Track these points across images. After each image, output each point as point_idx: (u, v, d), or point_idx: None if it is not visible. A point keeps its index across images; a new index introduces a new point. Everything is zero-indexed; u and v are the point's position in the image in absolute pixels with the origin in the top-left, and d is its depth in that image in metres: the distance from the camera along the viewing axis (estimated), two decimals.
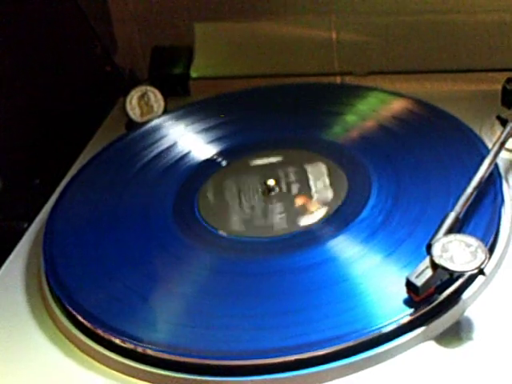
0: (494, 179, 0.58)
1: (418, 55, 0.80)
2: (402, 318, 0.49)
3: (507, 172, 0.62)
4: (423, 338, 0.49)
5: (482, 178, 0.56)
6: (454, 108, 0.68)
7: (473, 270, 0.47)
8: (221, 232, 0.60)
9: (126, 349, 0.51)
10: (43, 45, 0.79)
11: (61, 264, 0.59)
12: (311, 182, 0.62)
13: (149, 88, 0.77)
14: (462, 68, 0.78)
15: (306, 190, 0.62)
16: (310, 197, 0.61)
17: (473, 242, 0.49)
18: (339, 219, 0.59)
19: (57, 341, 0.55)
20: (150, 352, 0.50)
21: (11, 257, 0.63)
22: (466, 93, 0.75)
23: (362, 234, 0.56)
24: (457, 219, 0.52)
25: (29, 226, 0.67)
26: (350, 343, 0.48)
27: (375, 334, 0.48)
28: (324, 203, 0.60)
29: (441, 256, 0.48)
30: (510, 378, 0.46)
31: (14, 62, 0.75)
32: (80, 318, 0.54)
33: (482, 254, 0.48)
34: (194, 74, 0.86)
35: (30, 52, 0.77)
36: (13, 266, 0.62)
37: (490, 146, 0.60)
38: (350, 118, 0.71)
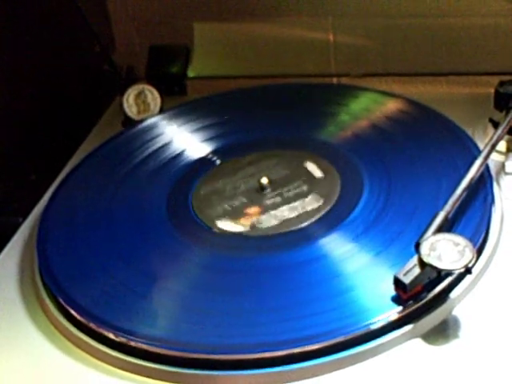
0: (484, 180, 0.58)
1: (413, 58, 0.80)
2: (391, 315, 0.49)
3: (498, 173, 0.62)
4: (411, 336, 0.49)
5: (472, 179, 0.56)
6: (447, 110, 0.69)
7: (459, 268, 0.47)
8: (215, 229, 0.60)
9: (118, 343, 0.52)
10: (41, 43, 0.79)
11: (54, 259, 0.59)
12: (294, 203, 0.61)
13: (146, 86, 0.78)
14: (457, 71, 0.78)
15: (274, 205, 0.61)
16: (262, 213, 0.61)
17: (461, 241, 0.49)
18: (332, 217, 0.59)
19: (50, 335, 0.55)
20: (142, 346, 0.51)
21: (5, 251, 0.63)
22: (460, 95, 0.76)
23: (353, 233, 0.57)
24: (446, 218, 0.52)
25: (23, 220, 0.67)
26: (339, 339, 0.48)
27: (364, 330, 0.49)
28: (257, 224, 0.60)
29: (429, 254, 0.48)
30: (496, 375, 0.47)
31: (12, 59, 0.75)
32: (73, 312, 0.54)
33: (469, 253, 0.48)
34: (190, 74, 0.86)
35: (29, 50, 0.77)
36: (6, 260, 0.62)
37: (482, 147, 0.60)
38: (344, 118, 0.71)
